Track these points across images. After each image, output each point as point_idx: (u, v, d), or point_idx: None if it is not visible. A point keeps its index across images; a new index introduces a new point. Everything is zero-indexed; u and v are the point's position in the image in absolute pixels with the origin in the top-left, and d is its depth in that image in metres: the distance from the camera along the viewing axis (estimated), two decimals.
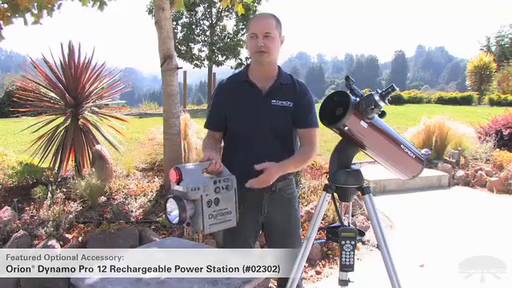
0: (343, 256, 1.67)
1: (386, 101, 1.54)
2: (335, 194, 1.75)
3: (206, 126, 1.98)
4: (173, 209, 1.53)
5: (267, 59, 1.81)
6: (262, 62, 1.82)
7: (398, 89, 1.56)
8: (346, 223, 1.79)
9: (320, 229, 1.80)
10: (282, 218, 1.96)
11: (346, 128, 1.58)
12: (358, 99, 1.56)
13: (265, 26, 1.79)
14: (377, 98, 1.52)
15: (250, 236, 1.99)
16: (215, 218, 1.57)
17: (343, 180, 1.70)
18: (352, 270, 1.69)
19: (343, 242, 1.66)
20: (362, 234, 1.77)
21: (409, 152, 1.72)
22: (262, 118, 1.83)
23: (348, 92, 1.60)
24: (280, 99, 1.85)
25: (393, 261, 1.70)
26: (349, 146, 1.70)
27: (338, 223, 1.82)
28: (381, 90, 1.55)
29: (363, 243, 1.80)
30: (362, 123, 1.57)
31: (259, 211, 1.92)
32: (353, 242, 1.66)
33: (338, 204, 1.76)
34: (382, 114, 1.60)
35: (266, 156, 1.80)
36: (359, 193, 1.74)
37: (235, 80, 1.91)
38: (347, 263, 1.67)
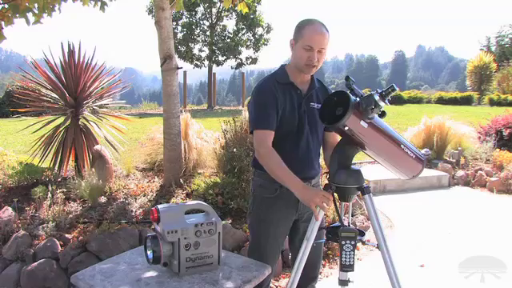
0: (343, 256, 1.67)
1: (386, 101, 1.54)
2: (335, 194, 1.75)
3: (265, 128, 1.82)
4: (150, 247, 1.55)
5: (314, 71, 1.86)
6: (308, 73, 1.86)
7: (398, 89, 1.56)
8: (345, 223, 1.79)
9: (320, 229, 1.79)
10: (310, 215, 1.98)
11: (347, 128, 1.58)
12: (358, 99, 1.56)
13: (322, 42, 1.77)
14: (377, 97, 1.52)
15: (282, 241, 2.04)
16: (193, 262, 1.57)
17: (343, 180, 1.70)
18: (352, 270, 1.69)
19: (343, 242, 1.66)
20: (362, 234, 1.77)
21: (409, 152, 1.71)
22: (305, 119, 1.89)
23: (348, 92, 1.60)
24: (316, 102, 1.92)
25: (393, 261, 1.70)
26: (348, 146, 1.70)
27: (338, 223, 1.82)
28: (381, 90, 1.55)
29: (363, 243, 1.80)
30: (362, 123, 1.57)
31: (295, 210, 1.96)
32: (353, 242, 1.66)
33: (337, 204, 1.76)
34: (382, 114, 1.60)
35: (308, 156, 1.91)
36: (359, 193, 1.74)
37: (278, 81, 1.88)
38: (347, 263, 1.67)
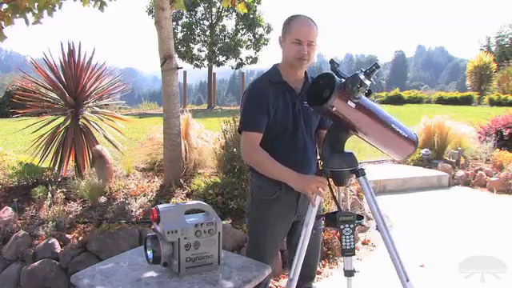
0: (343, 240, 1.66)
1: (372, 79, 1.53)
2: (330, 180, 1.74)
3: (252, 130, 1.81)
4: (150, 247, 1.55)
5: (305, 66, 1.85)
6: (300, 68, 1.85)
7: (381, 66, 1.56)
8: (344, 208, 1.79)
9: (318, 217, 1.78)
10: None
11: (334, 109, 1.56)
12: (343, 80, 1.56)
13: (310, 34, 1.78)
14: (362, 76, 1.51)
15: (281, 240, 2.03)
16: (193, 262, 1.57)
17: (337, 164, 1.69)
18: (353, 253, 1.68)
19: (342, 227, 1.65)
20: (360, 217, 1.76)
21: (400, 131, 1.70)
22: (300, 118, 1.88)
23: (333, 74, 1.60)
24: None
25: (393, 240, 1.68)
26: (339, 130, 1.70)
27: (335, 209, 1.81)
28: (365, 69, 1.54)
29: (362, 226, 1.79)
30: (350, 103, 1.56)
31: (294, 211, 1.95)
32: (352, 226, 1.65)
33: (334, 190, 1.76)
34: (369, 93, 1.59)
35: (305, 156, 1.90)
36: (354, 176, 1.73)
37: (270, 81, 1.87)
38: (348, 247, 1.66)
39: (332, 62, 1.62)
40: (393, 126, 1.68)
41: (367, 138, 1.72)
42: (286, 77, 1.88)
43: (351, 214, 1.68)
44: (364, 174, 1.72)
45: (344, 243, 1.66)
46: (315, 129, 1.98)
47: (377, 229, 1.71)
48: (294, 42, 1.78)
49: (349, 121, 1.63)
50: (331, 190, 1.74)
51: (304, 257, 1.78)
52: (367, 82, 1.52)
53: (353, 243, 1.66)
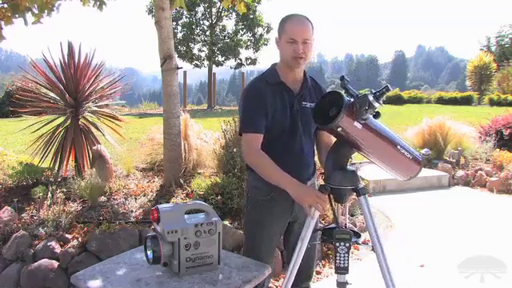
0: (338, 258, 1.65)
1: (381, 101, 1.52)
2: (331, 195, 1.74)
3: (253, 131, 1.80)
4: (150, 247, 1.55)
5: (302, 65, 1.84)
6: (297, 67, 1.84)
7: (391, 89, 1.55)
8: (342, 224, 1.78)
9: (315, 230, 1.78)
10: (305, 216, 1.98)
11: (340, 129, 1.55)
12: (352, 99, 1.55)
13: (305, 32, 1.76)
14: (371, 98, 1.50)
15: (277, 240, 2.03)
16: (193, 262, 1.57)
17: (338, 181, 1.68)
18: (347, 272, 1.66)
19: (338, 244, 1.64)
20: (357, 235, 1.75)
21: (405, 153, 1.68)
22: (298, 119, 1.86)
23: (342, 92, 1.59)
24: (309, 101, 1.89)
25: (387, 263, 1.68)
26: (344, 146, 1.68)
27: (333, 224, 1.81)
28: (375, 91, 1.53)
29: (358, 244, 1.79)
30: (356, 124, 1.55)
31: (290, 212, 1.95)
32: (347, 244, 1.64)
33: (333, 204, 1.75)
34: (377, 115, 1.58)
35: (303, 156, 1.89)
36: (354, 194, 1.72)
37: (267, 81, 1.86)
38: (341, 265, 1.65)
39: (342, 78, 1.60)
40: (398, 147, 1.67)
41: (371, 158, 1.72)
42: (283, 77, 1.86)
43: (348, 233, 1.66)
44: (365, 194, 1.71)
45: (338, 261, 1.65)
46: (314, 130, 1.97)
47: (372, 249, 1.71)
48: (289, 42, 1.76)
49: (354, 140, 1.61)
50: (331, 206, 1.74)
51: (302, 257, 1.78)
52: (376, 105, 1.51)
53: (347, 262, 1.65)
